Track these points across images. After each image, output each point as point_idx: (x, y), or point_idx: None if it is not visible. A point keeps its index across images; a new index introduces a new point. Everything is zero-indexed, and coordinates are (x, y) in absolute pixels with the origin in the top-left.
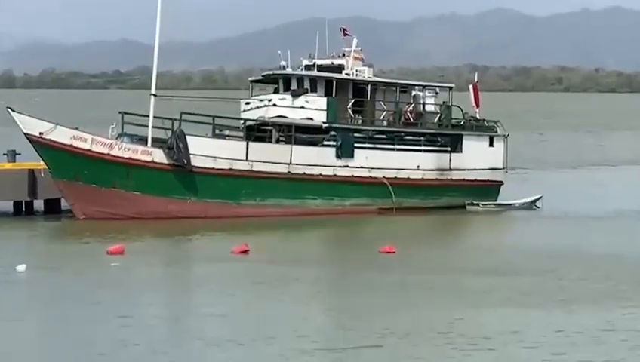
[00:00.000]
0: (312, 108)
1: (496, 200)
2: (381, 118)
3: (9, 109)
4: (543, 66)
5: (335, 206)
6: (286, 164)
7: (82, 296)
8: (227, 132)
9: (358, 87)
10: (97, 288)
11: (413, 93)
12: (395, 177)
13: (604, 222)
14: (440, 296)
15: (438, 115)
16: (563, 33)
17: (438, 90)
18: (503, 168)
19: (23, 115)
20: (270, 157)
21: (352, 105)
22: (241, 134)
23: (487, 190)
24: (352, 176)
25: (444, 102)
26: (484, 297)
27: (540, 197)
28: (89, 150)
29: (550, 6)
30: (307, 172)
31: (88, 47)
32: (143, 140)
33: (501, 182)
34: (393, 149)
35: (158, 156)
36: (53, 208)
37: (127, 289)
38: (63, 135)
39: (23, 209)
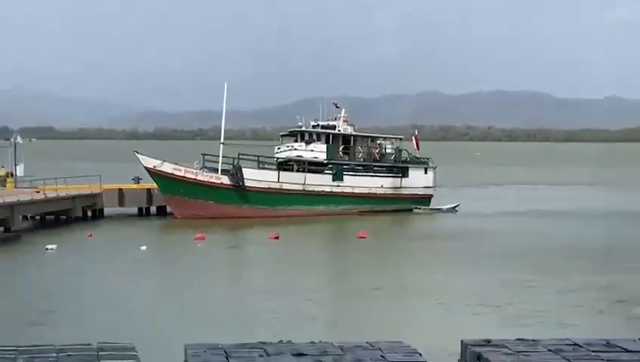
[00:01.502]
0: (318, 151)
1: (429, 206)
2: (359, 156)
3: (135, 152)
4: (456, 125)
5: (331, 209)
6: (302, 184)
7: (180, 263)
8: (266, 165)
9: (345, 138)
10: (189, 259)
11: (379, 141)
12: (368, 192)
13: (500, 218)
14: (392, 263)
15: (394, 155)
16: (468, 105)
17: (393, 140)
18: (433, 187)
19: (143, 155)
20: (292, 180)
21: (342, 149)
22: (274, 167)
23: (424, 200)
24: (342, 191)
25: (397, 147)
26: (422, 263)
27: (458, 205)
28: (183, 176)
29: (460, 88)
30: (315, 189)
31: (181, 113)
32: (215, 170)
33: (432, 195)
34: (367, 175)
35: (225, 180)
36: (161, 212)
37: (207, 259)
38: (167, 167)
39: (144, 212)
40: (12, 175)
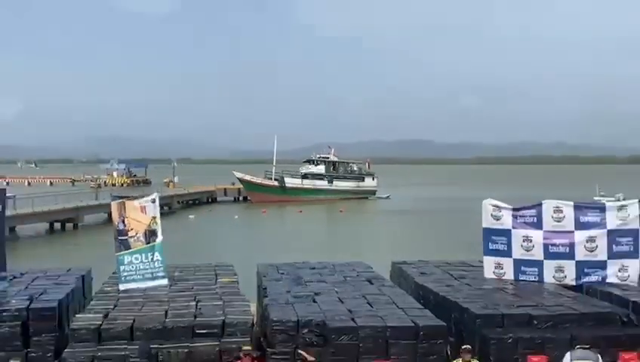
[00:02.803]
0: (320, 169)
1: (375, 196)
2: (340, 171)
3: (233, 171)
4: (387, 156)
5: (327, 198)
6: (313, 185)
7: (255, 223)
8: (295, 176)
9: (334, 163)
10: (259, 221)
11: (350, 164)
12: (345, 189)
13: (411, 200)
14: (357, 222)
15: (357, 171)
16: (392, 146)
17: (357, 163)
18: (376, 186)
19: (236, 172)
20: (308, 183)
21: (332, 168)
22: (299, 176)
23: (372, 193)
24: (332, 188)
25: (359, 167)
26: (371, 223)
27: (389, 195)
28: (255, 182)
29: (391, 136)
30: (319, 187)
31: (253, 150)
32: (271, 178)
33: (376, 190)
34: (344, 180)
35: (276, 183)
36: (245, 199)
37: (268, 221)
38: (248, 177)
39: (236, 200)
40: (172, 181)
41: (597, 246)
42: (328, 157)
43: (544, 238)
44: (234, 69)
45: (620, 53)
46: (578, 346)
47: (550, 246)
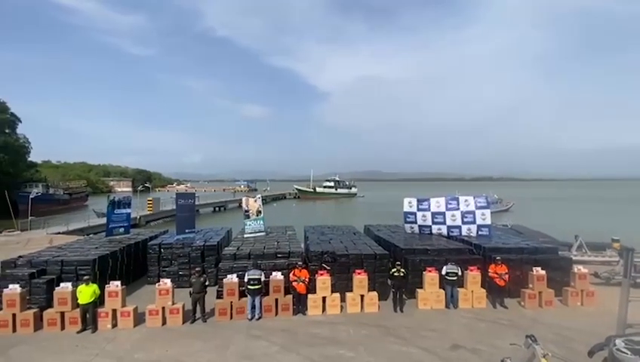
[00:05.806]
0: (332, 184)
1: (356, 196)
2: (341, 185)
3: (294, 185)
4: (365, 177)
5: (335, 197)
6: (329, 191)
7: (304, 206)
8: (319, 187)
9: (338, 181)
10: (306, 206)
11: (345, 181)
12: (344, 193)
13: (375, 198)
14: (348, 207)
15: (348, 184)
16: (373, 174)
17: (349, 181)
18: (357, 191)
19: (296, 185)
20: (327, 190)
21: (337, 183)
22: (322, 187)
23: (355, 194)
24: (338, 193)
25: (349, 183)
26: (354, 207)
27: (363, 195)
28: (303, 189)
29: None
30: (331, 192)
31: (297, 175)
32: (310, 187)
33: (357, 193)
34: (343, 188)
35: (312, 190)
36: (298, 198)
37: (310, 206)
38: (299, 187)
39: (295, 198)
40: (267, 189)
41: (456, 218)
42: (335, 178)
43: (431, 215)
44: (293, 143)
45: None
46: (449, 263)
47: (434, 218)
